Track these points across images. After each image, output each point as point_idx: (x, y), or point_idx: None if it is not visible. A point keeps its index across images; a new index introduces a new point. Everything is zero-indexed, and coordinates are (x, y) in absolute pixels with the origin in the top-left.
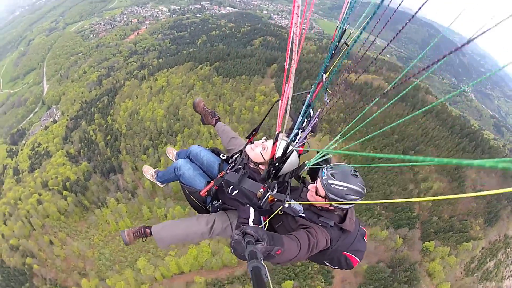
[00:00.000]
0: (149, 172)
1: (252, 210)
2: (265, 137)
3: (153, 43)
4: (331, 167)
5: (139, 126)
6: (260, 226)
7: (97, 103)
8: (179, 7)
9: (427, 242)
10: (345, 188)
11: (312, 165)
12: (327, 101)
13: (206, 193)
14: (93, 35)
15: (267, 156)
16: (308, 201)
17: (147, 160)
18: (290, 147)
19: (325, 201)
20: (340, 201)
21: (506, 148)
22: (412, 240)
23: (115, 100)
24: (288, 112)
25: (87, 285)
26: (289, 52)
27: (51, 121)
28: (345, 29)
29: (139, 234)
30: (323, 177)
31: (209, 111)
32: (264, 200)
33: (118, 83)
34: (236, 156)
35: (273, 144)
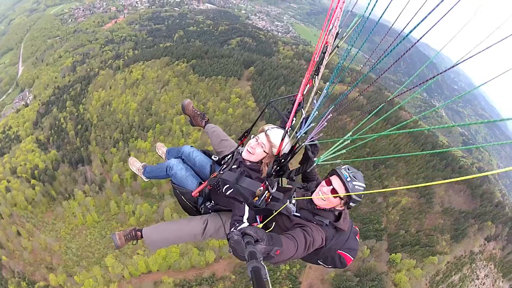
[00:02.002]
0: (135, 164)
1: (247, 208)
2: (255, 138)
3: (130, 33)
4: (349, 169)
5: (110, 117)
6: (256, 225)
7: (70, 90)
8: None
9: (394, 254)
10: (362, 188)
11: (321, 161)
12: (315, 102)
13: (198, 193)
14: (71, 20)
15: (269, 150)
16: (307, 200)
17: (117, 153)
18: (295, 143)
19: (340, 201)
20: (357, 200)
21: (474, 166)
22: (379, 251)
23: (88, 88)
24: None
25: (54, 281)
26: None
27: (23, 105)
28: (338, 32)
29: (130, 237)
30: (347, 179)
31: (198, 113)
32: (261, 199)
33: (92, 71)
34: (228, 157)
35: (281, 140)
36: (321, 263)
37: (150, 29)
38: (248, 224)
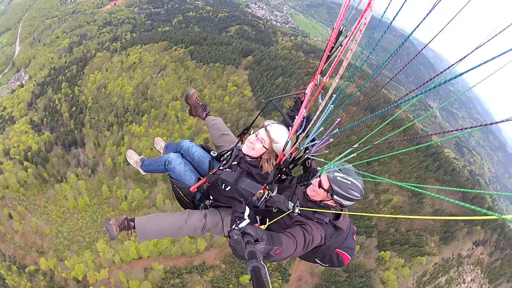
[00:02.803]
0: (133, 157)
1: (247, 208)
2: (254, 133)
3: (128, 15)
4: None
5: (105, 100)
6: (257, 225)
7: (66, 71)
8: None
9: (383, 252)
10: (349, 182)
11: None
12: (321, 102)
13: (196, 189)
14: (70, 0)
15: (268, 146)
16: (306, 199)
17: (110, 137)
18: (298, 153)
19: (327, 194)
20: (343, 195)
21: (466, 169)
22: (368, 248)
23: (84, 70)
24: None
25: (45, 265)
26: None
27: (18, 85)
28: (341, 31)
29: (123, 227)
30: (329, 170)
31: (201, 104)
32: (261, 200)
33: (89, 53)
34: (227, 154)
35: (285, 144)
36: (318, 261)
37: (149, 12)
38: (249, 220)
